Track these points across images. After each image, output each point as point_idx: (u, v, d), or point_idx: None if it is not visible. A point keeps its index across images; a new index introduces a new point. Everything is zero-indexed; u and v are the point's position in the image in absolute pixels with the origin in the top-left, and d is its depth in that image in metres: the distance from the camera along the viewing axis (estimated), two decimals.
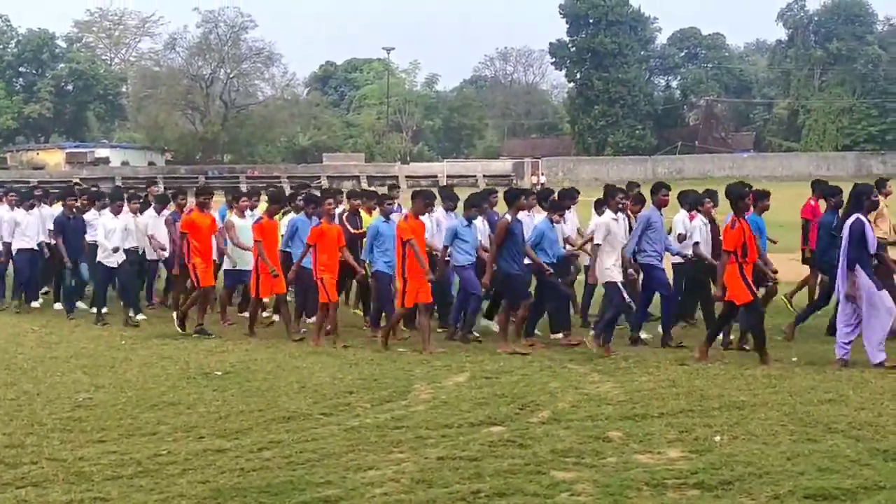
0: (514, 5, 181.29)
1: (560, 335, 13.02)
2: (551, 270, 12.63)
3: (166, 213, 15.87)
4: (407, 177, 67.81)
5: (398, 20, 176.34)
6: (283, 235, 14.34)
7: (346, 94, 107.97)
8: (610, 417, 8.28)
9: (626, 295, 11.90)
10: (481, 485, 6.43)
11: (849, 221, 10.89)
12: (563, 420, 8.24)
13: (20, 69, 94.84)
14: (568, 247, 13.92)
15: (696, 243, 12.90)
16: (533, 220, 13.63)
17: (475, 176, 73.37)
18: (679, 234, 13.21)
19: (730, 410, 8.44)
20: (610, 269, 11.97)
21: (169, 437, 7.92)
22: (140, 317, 15.23)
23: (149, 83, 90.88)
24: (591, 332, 12.03)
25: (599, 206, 13.73)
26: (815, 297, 13.75)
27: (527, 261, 12.57)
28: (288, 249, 14.20)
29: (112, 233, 14.76)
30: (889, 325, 10.80)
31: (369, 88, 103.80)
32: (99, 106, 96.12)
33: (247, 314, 14.39)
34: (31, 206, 16.83)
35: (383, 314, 13.64)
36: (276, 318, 14.62)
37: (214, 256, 14.64)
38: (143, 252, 16.02)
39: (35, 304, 16.82)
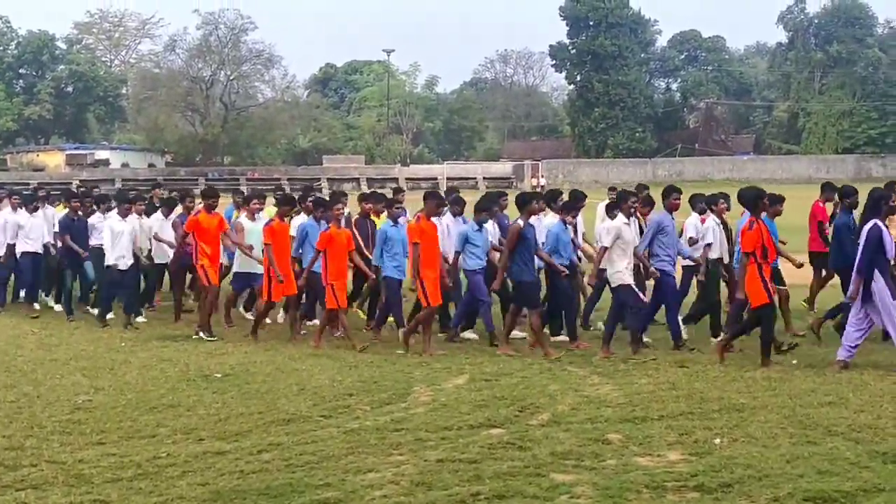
0: (513, 7, 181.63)
1: (562, 337, 12.98)
2: (566, 272, 12.56)
3: (174, 216, 15.80)
4: (407, 179, 67.88)
5: (398, 21, 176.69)
6: (292, 237, 14.13)
7: (347, 97, 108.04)
8: (609, 420, 8.28)
9: (641, 295, 11.82)
10: (481, 487, 6.43)
11: (867, 227, 10.78)
12: (563, 422, 8.23)
13: (20, 71, 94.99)
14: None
15: (709, 244, 12.85)
16: (541, 222, 13.47)
17: (475, 178, 73.44)
18: (690, 238, 13.12)
19: (729, 413, 8.44)
20: (622, 272, 11.86)
21: (168, 440, 7.92)
22: (140, 319, 15.21)
23: (149, 85, 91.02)
24: (630, 348, 11.84)
25: (611, 210, 13.69)
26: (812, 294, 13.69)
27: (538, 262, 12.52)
28: (299, 255, 13.86)
29: (120, 235, 14.70)
30: None
31: (369, 90, 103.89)
32: (99, 108, 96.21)
33: (250, 315, 14.35)
34: (35, 209, 16.78)
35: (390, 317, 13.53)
36: (280, 317, 14.65)
37: (223, 258, 14.59)
38: (150, 254, 15.90)
39: (37, 305, 16.79)
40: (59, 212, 17.55)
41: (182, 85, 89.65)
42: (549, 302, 12.97)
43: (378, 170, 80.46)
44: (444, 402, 9.14)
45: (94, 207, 16.38)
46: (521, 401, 9.03)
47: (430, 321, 12.55)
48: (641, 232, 12.84)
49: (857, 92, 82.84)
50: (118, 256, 14.65)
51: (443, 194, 14.38)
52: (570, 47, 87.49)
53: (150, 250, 15.69)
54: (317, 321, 14.41)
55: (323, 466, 7.03)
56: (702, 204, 13.46)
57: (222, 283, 14.62)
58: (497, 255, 13.12)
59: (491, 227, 13.52)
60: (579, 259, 14.18)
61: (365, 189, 59.51)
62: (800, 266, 13.14)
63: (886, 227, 10.95)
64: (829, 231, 14.09)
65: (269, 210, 15.20)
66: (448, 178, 69.31)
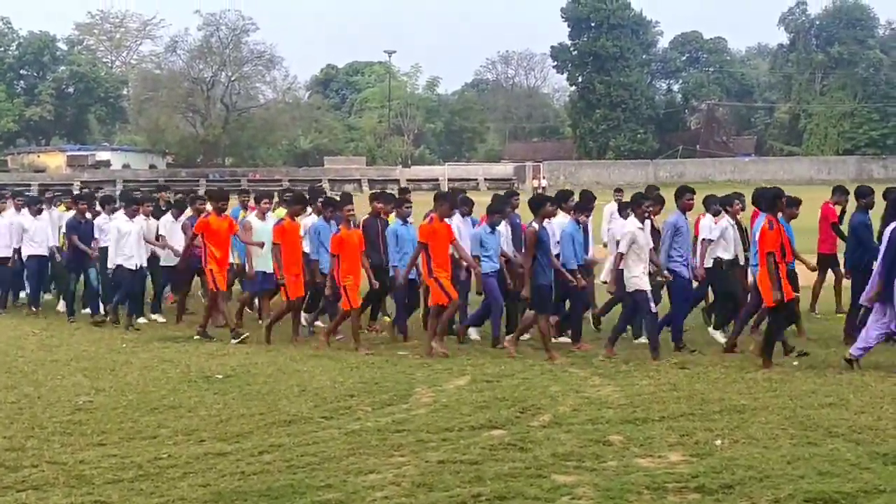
0: (514, 8, 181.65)
1: (564, 339, 12.99)
2: (574, 281, 12.44)
3: (184, 218, 15.79)
4: (408, 180, 67.81)
5: (399, 21, 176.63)
6: (304, 235, 14.04)
7: (348, 98, 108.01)
8: (611, 421, 8.28)
9: (653, 305, 11.75)
10: (482, 488, 6.43)
11: (888, 229, 10.75)
12: (564, 424, 8.23)
13: (21, 72, 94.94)
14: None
15: (709, 241, 12.77)
16: (551, 222, 13.41)
17: (476, 179, 73.40)
18: (703, 239, 13.00)
19: (730, 414, 8.44)
20: (638, 276, 11.76)
21: (169, 441, 7.93)
22: (142, 320, 15.23)
23: (150, 86, 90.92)
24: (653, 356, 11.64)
25: (623, 210, 13.63)
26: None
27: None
28: (316, 257, 13.83)
29: (127, 236, 14.69)
30: None
31: (371, 92, 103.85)
32: (100, 109, 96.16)
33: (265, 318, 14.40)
34: (40, 211, 16.75)
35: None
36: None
37: (232, 260, 14.59)
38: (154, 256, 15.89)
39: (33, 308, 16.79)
40: (61, 212, 17.56)
41: (183, 86, 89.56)
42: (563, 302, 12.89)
43: (379, 171, 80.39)
44: (445, 403, 9.14)
45: (100, 209, 16.36)
46: (523, 402, 9.04)
47: (452, 315, 12.47)
48: (653, 232, 12.73)
49: (858, 93, 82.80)
50: (127, 257, 14.66)
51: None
52: (571, 48, 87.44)
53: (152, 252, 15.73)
54: (320, 323, 14.44)
55: (324, 467, 7.03)
56: (716, 205, 13.37)
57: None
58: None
59: (503, 228, 13.41)
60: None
61: (366, 190, 59.59)
62: (814, 269, 13.07)
63: None
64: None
65: (280, 211, 15.17)
66: (449, 180, 69.40)
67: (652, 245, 12.21)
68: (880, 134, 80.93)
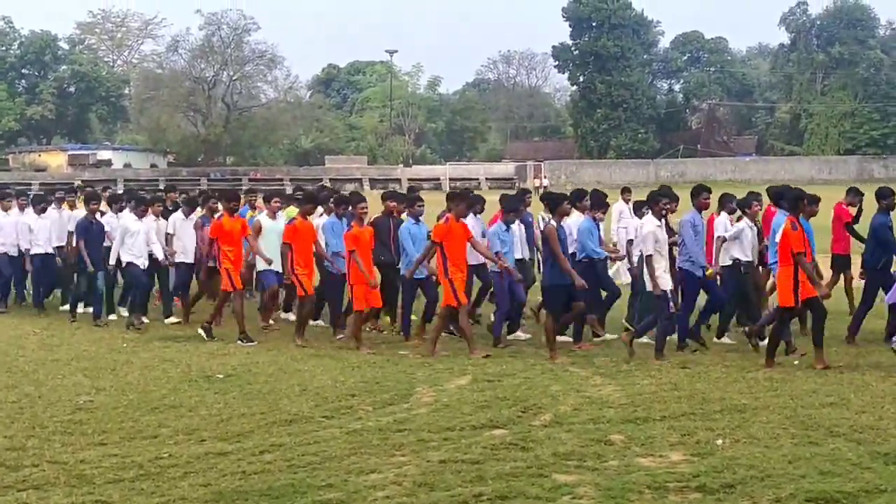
0: (515, 7, 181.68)
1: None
2: (586, 286, 12.23)
3: (194, 216, 15.75)
4: (409, 180, 67.82)
5: (399, 21, 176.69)
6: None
7: (349, 97, 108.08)
8: (612, 421, 8.28)
9: (672, 305, 11.66)
10: (483, 488, 6.43)
11: None
12: (565, 423, 8.24)
13: (23, 71, 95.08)
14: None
15: (721, 238, 12.73)
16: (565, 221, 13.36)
17: (478, 179, 73.41)
18: (719, 237, 12.87)
19: (731, 414, 8.44)
20: (659, 275, 11.69)
21: (170, 440, 7.93)
22: (144, 319, 15.19)
23: (151, 85, 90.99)
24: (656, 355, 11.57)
25: (639, 209, 13.58)
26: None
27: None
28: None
29: (136, 235, 14.65)
30: None
31: (372, 91, 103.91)
32: (101, 108, 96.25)
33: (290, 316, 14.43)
34: (43, 210, 16.70)
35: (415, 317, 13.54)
36: (290, 316, 14.70)
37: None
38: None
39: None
40: (70, 213, 17.46)
41: (184, 85, 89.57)
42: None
43: (380, 170, 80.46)
44: (446, 402, 9.14)
45: (108, 208, 16.30)
46: (524, 401, 9.03)
47: (467, 323, 12.33)
48: (668, 230, 12.62)
49: (859, 93, 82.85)
50: (136, 256, 14.64)
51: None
52: (572, 48, 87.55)
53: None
54: (320, 322, 14.45)
55: (325, 467, 7.03)
56: (731, 204, 13.28)
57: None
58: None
59: (516, 226, 13.34)
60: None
61: (367, 189, 59.66)
62: (820, 277, 12.99)
63: None
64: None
65: (290, 210, 15.14)
66: (450, 179, 69.39)
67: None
68: (881, 134, 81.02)
